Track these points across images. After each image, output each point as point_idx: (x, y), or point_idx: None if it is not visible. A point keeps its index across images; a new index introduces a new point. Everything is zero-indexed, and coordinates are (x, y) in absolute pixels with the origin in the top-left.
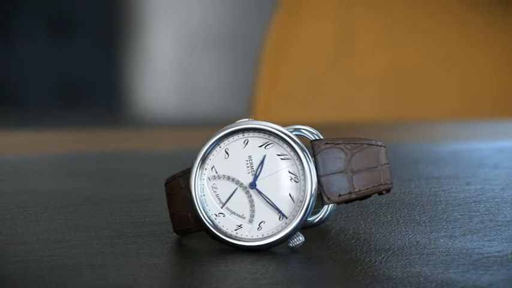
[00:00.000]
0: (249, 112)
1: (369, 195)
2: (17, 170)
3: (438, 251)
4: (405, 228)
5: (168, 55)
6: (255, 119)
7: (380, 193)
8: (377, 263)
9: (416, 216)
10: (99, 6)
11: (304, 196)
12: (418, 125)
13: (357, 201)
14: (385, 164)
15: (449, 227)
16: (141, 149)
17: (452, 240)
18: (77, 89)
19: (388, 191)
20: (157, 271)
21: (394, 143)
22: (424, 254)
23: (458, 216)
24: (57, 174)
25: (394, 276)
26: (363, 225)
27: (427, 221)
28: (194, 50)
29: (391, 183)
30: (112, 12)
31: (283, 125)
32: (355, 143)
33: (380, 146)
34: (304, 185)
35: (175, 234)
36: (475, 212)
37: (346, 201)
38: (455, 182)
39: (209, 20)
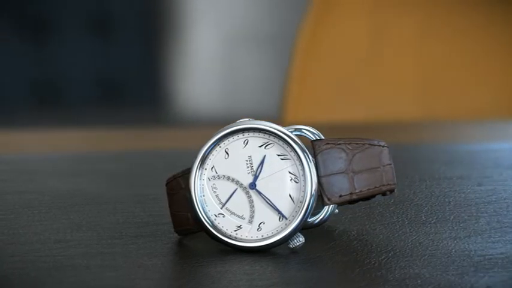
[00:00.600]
0: (280, 111)
1: (372, 196)
2: (25, 169)
3: (440, 253)
4: (409, 229)
5: (210, 53)
6: (285, 117)
7: (383, 194)
8: (376, 265)
9: (423, 217)
10: (141, 5)
11: (304, 197)
12: (447, 125)
13: (364, 202)
14: (387, 164)
15: (455, 228)
16: (168, 147)
17: (455, 241)
18: (118, 87)
19: (391, 191)
20: (154, 272)
21: (415, 143)
22: (425, 255)
23: (465, 217)
24: (66, 174)
25: (391, 278)
26: (367, 226)
27: (432, 222)
28: (235, 48)
29: (394, 184)
30: (154, 12)
31: (288, 125)
32: (357, 143)
33: (382, 146)
34: (304, 186)
35: (176, 234)
36: (482, 213)
37: (348, 202)
38: (467, 183)
39: (250, 18)
